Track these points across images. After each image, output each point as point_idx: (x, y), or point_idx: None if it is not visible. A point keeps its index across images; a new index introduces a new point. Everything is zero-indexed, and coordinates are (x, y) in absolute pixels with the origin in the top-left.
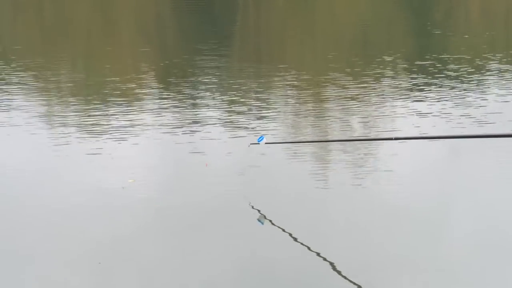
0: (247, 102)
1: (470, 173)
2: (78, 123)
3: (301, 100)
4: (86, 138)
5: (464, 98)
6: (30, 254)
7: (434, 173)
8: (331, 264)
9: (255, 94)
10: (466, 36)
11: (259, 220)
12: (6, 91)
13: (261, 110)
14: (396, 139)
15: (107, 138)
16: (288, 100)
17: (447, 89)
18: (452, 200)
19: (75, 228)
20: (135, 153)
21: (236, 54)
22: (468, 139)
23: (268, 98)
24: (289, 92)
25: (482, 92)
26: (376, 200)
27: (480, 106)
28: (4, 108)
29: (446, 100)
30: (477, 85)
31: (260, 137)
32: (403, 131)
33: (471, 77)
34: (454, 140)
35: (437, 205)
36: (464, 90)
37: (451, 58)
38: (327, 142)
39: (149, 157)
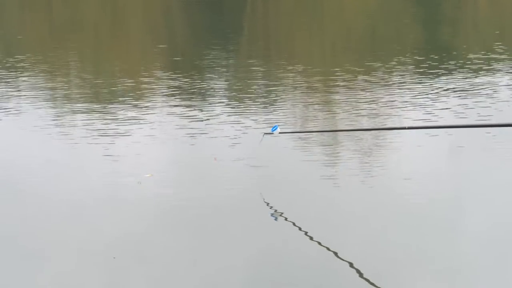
0: (258, 96)
1: (485, 165)
2: (94, 118)
3: (312, 91)
4: (102, 134)
5: (476, 88)
6: (46, 249)
7: (447, 166)
8: (344, 258)
9: (266, 87)
10: (476, 28)
11: (273, 216)
12: (20, 89)
13: (272, 103)
14: (408, 128)
15: (121, 135)
16: (300, 92)
17: (459, 78)
18: (465, 193)
19: (91, 222)
20: (149, 149)
21: (245, 48)
22: (482, 128)
23: (279, 90)
24: (300, 84)
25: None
26: (389, 193)
27: (495, 97)
28: (19, 107)
29: (459, 91)
30: (491, 75)
31: (274, 127)
32: (415, 121)
33: (485, 67)
34: (467, 129)
35: (450, 198)
36: (477, 80)
37: (462, 49)
38: (340, 132)
39: (163, 153)
